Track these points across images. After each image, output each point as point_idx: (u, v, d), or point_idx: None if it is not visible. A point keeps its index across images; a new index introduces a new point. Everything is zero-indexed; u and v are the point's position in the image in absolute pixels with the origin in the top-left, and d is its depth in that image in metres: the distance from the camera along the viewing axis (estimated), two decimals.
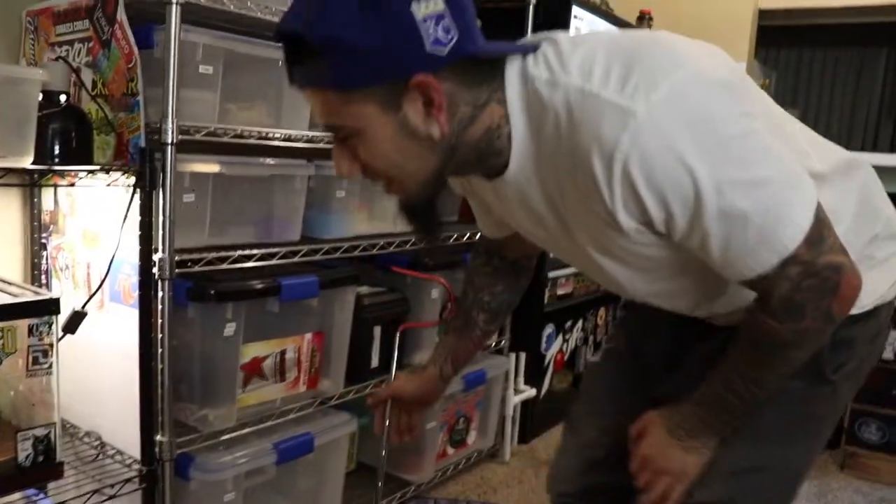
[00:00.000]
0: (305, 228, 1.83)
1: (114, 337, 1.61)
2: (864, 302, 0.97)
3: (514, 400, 2.53)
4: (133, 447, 1.59)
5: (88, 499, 1.48)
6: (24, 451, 1.43)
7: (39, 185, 1.73)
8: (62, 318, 1.45)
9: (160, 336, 1.51)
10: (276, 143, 1.68)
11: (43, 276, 1.79)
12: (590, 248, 0.96)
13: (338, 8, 0.78)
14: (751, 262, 0.84)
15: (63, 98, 1.45)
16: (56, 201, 1.74)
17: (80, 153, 1.48)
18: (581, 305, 2.90)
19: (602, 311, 3.08)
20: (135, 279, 1.55)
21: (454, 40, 0.81)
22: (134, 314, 1.54)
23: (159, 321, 1.51)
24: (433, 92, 0.82)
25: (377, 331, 1.98)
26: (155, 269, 1.48)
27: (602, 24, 2.63)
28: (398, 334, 1.50)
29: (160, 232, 1.48)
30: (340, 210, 1.88)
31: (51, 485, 1.52)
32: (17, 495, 1.49)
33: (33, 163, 1.35)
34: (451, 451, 2.33)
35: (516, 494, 2.34)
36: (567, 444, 1.34)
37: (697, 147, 0.79)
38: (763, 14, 3.93)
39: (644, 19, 3.15)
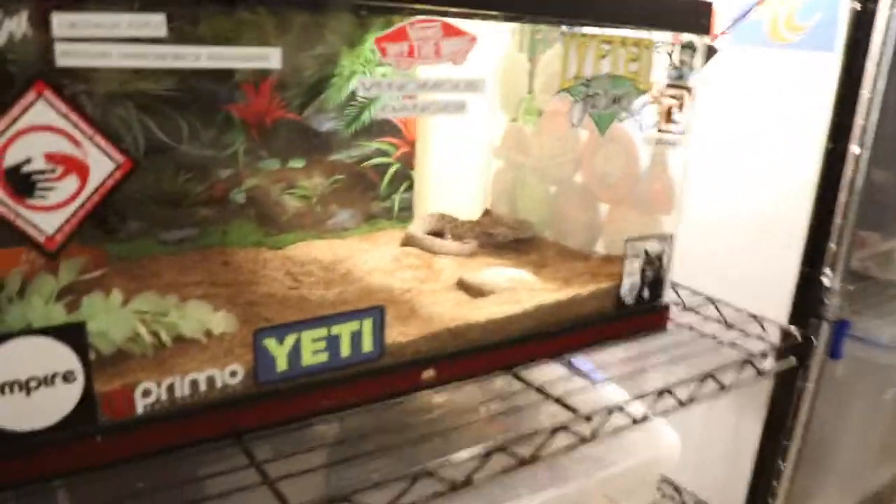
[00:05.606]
0: None
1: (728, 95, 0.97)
2: None
3: None
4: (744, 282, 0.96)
5: (741, 369, 0.83)
6: (630, 276, 0.82)
7: None
8: None
9: (867, 96, 0.84)
10: None
11: None
12: None
13: None
14: None
15: None
16: None
17: None
18: None
19: None
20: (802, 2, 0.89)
21: None
22: (787, 59, 0.89)
23: (868, 72, 0.83)
24: None
25: None
26: None
27: None
28: None
29: None
30: None
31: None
32: (558, 370, 0.84)
33: None
34: None
35: None
36: None
37: None
38: None
39: None
